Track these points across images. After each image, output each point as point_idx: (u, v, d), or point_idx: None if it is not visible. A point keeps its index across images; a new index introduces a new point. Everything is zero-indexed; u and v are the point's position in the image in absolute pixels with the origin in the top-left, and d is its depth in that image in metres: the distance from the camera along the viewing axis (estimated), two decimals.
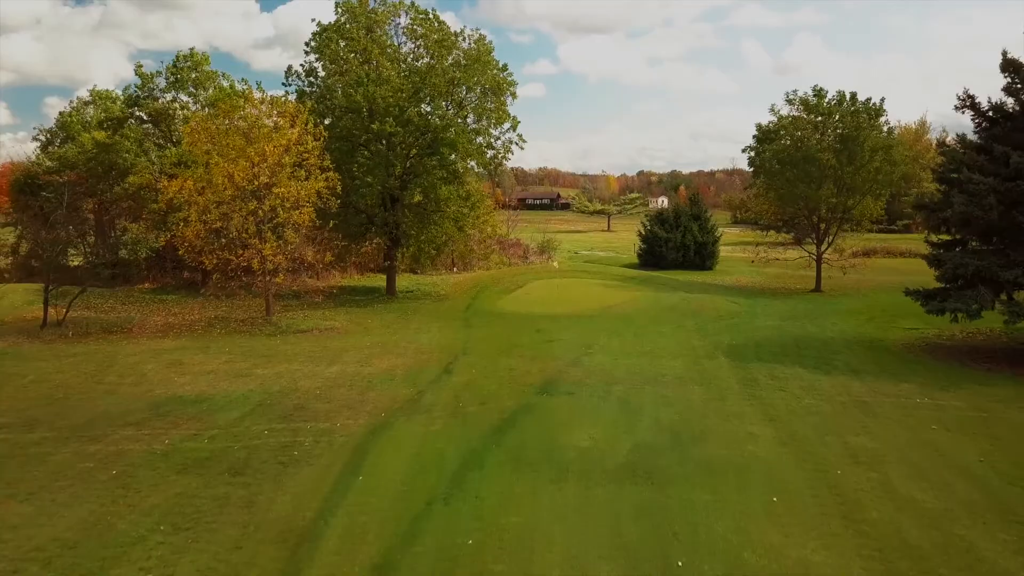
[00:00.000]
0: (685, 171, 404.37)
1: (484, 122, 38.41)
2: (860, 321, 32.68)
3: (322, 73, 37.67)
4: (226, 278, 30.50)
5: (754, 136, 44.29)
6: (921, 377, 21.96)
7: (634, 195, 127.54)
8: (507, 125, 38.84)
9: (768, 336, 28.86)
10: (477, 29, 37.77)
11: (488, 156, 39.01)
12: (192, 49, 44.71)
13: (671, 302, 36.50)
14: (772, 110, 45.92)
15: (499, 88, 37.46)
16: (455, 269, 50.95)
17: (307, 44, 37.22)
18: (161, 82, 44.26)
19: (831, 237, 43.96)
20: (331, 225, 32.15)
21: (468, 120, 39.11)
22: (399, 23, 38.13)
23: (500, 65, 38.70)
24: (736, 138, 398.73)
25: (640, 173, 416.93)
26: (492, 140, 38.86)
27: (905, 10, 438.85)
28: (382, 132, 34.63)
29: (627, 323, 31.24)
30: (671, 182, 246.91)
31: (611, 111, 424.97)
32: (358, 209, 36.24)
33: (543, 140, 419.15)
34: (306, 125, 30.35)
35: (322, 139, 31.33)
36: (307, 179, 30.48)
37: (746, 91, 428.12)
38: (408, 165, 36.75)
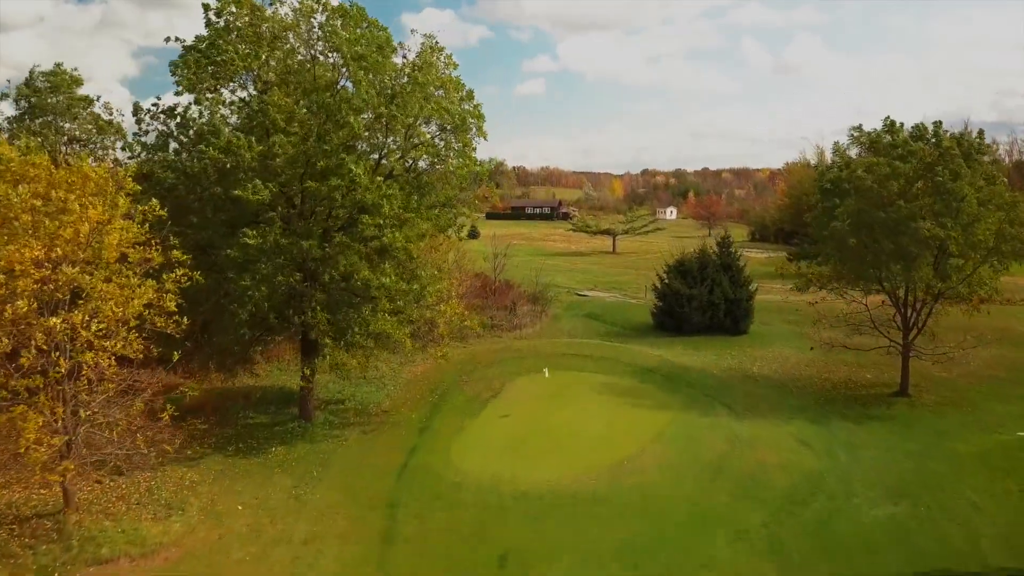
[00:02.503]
0: (689, 169, 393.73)
1: (439, 168, 26.39)
2: (1017, 500, 20.77)
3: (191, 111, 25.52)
4: None
5: (819, 185, 32.16)
6: None
7: (642, 212, 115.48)
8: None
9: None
10: (431, 36, 25.53)
11: (447, 214, 26.95)
12: (58, 65, 32.54)
13: (714, 449, 24.35)
14: (836, 150, 34.15)
15: (460, 124, 25.37)
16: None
17: (172, 68, 24.87)
18: (8, 108, 32.41)
19: (923, 322, 31.87)
20: (176, 357, 20.16)
21: (420, 164, 27.14)
22: (314, 29, 25.92)
23: (464, 90, 26.64)
24: (737, 136, 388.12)
25: (644, 172, 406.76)
26: (452, 196, 26.79)
27: (905, 10, 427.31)
28: (247, 200, 22.65)
29: (651, 526, 19.19)
30: (678, 188, 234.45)
31: (612, 108, 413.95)
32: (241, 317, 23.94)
33: (544, 137, 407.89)
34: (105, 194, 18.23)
35: (151, 218, 19.24)
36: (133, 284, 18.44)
37: (747, 89, 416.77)
38: (323, 241, 24.64)
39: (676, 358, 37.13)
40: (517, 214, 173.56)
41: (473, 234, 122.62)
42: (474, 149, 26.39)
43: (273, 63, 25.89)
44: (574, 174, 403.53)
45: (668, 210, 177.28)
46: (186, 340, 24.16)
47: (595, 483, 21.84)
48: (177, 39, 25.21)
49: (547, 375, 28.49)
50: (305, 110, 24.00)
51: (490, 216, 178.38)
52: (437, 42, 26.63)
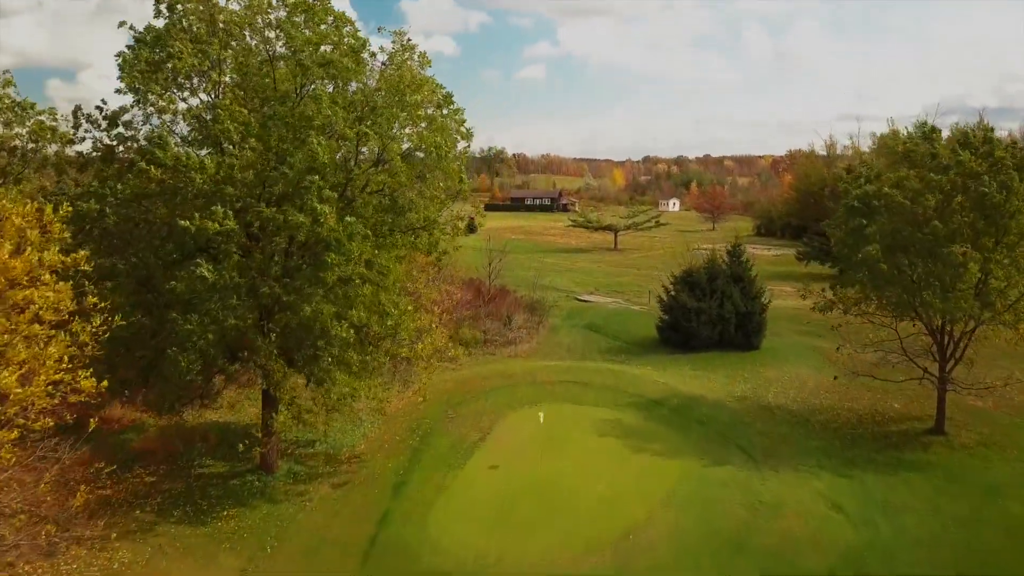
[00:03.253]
0: (691, 156, 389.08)
1: (416, 195, 22.92)
2: None
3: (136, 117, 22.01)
4: None
5: (845, 203, 28.58)
6: None
7: (644, 206, 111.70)
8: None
9: None
10: (402, 32, 22.06)
11: (426, 237, 23.52)
12: None
13: (734, 516, 21.05)
14: (856, 152, 30.80)
15: (439, 147, 21.86)
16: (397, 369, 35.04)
17: (120, 65, 21.31)
18: None
19: (962, 351, 28.51)
20: (92, 426, 16.75)
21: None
22: (272, 26, 22.35)
23: (441, 91, 23.17)
24: (738, 122, 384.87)
25: (645, 159, 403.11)
26: (432, 217, 23.34)
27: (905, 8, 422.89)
28: (201, 233, 19.20)
29: None
30: (680, 177, 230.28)
31: (613, 94, 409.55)
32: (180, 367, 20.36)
33: (545, 123, 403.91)
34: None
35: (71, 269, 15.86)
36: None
37: (747, 75, 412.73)
38: (283, 276, 21.20)
39: (684, 385, 33.82)
40: (516, 205, 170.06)
41: (471, 228, 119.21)
42: (459, 162, 22.99)
43: (229, 64, 22.44)
44: (575, 161, 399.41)
45: (671, 202, 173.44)
46: (125, 387, 21.14)
47: (597, 563, 18.63)
48: (131, 27, 21.76)
49: (542, 419, 25.22)
50: (259, 123, 20.46)
51: (489, 207, 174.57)
52: (409, 39, 23.17)
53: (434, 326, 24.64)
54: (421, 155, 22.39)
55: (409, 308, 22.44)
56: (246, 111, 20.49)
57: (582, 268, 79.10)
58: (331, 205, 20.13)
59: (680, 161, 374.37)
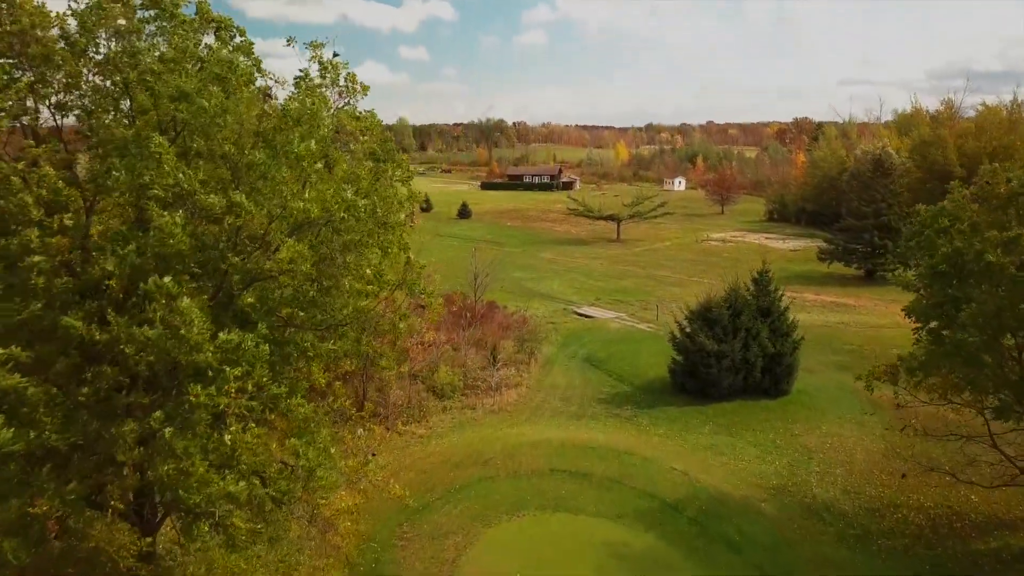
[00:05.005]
0: (694, 123, 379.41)
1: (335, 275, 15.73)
2: None
3: None
4: None
5: (929, 263, 21.08)
6: None
7: (648, 191, 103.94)
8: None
9: None
10: (318, 44, 14.50)
11: (352, 340, 16.50)
12: None
13: None
14: (879, 135, 23.47)
15: (355, 208, 14.63)
16: (361, 430, 28.12)
17: None
18: None
19: None
20: None
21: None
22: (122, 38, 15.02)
23: (378, 135, 15.98)
24: (740, 87, 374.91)
25: (648, 127, 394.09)
26: (358, 313, 16.19)
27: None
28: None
29: None
30: (686, 151, 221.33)
31: (614, 59, 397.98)
32: None
33: (545, 89, 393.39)
34: None
35: None
36: None
37: (748, 39, 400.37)
38: (126, 419, 14.23)
39: (706, 473, 26.93)
40: (515, 184, 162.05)
41: (464, 213, 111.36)
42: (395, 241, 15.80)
43: (60, 95, 15.09)
44: (576, 129, 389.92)
45: (676, 180, 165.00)
46: None
47: None
48: None
49: None
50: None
51: (486, 186, 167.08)
52: (336, 55, 15.83)
53: (370, 455, 17.66)
54: (332, 227, 15.08)
55: (332, 451, 15.38)
56: (54, 175, 13.24)
57: (581, 266, 72.00)
58: (195, 310, 13.00)
59: (683, 129, 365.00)
